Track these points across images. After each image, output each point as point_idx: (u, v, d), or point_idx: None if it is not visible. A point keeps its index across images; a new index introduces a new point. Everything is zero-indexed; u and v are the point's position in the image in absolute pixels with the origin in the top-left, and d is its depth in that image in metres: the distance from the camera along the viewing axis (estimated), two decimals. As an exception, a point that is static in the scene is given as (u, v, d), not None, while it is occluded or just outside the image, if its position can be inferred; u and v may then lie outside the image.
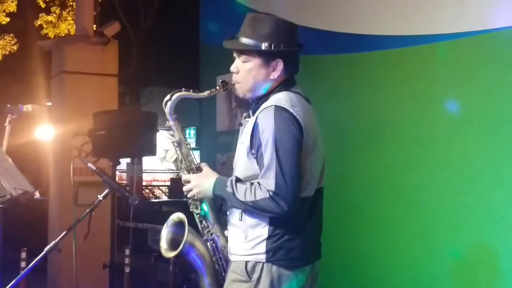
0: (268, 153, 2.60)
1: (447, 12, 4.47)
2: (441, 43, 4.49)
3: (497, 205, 4.12)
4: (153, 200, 17.50)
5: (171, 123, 2.98)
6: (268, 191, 2.57)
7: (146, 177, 22.77)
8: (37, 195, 12.48)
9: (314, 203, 2.76)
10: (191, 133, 21.30)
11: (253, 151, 2.67)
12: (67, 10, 14.79)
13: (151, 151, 5.88)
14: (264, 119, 2.64)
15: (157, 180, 24.17)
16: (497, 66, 4.19)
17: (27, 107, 3.40)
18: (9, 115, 3.32)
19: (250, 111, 2.83)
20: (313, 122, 2.74)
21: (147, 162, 21.37)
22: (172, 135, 3.00)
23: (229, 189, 2.69)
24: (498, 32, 4.13)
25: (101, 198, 3.25)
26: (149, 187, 21.90)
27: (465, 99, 4.40)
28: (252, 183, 2.64)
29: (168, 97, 2.94)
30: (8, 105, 3.35)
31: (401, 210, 4.73)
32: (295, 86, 2.81)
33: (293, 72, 2.84)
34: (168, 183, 20.88)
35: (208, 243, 2.91)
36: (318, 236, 2.83)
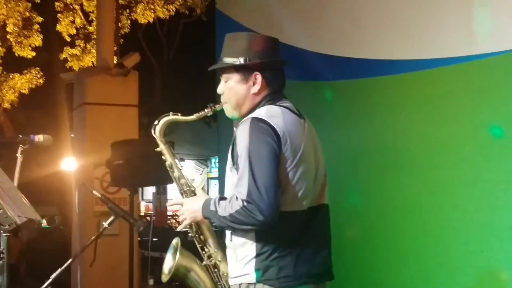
0: (241, 163, 2.58)
1: (459, 36, 4.46)
2: (453, 66, 4.47)
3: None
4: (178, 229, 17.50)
5: (161, 147, 3.02)
6: (242, 200, 2.52)
7: (172, 207, 22.80)
8: (44, 223, 12.63)
9: (310, 219, 2.69)
10: (216, 162, 21.36)
11: (235, 165, 2.66)
12: (91, 43, 15.01)
13: (168, 179, 5.87)
14: (241, 131, 2.64)
15: (184, 210, 24.16)
16: (509, 87, 4.16)
17: (39, 137, 3.44)
18: (21, 145, 3.37)
19: (234, 129, 2.81)
20: (300, 135, 2.69)
21: (174, 191, 21.45)
22: (164, 159, 3.02)
23: (211, 207, 2.67)
24: (509, 53, 4.10)
25: (106, 225, 3.29)
26: (174, 217, 21.92)
27: (479, 121, 4.37)
28: (231, 197, 2.60)
29: (156, 122, 2.98)
30: (20, 136, 3.40)
31: (419, 234, 4.69)
32: (282, 101, 2.79)
33: (277, 86, 2.82)
34: (194, 213, 20.88)
35: (210, 269, 2.89)
36: (320, 255, 2.72)
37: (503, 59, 4.15)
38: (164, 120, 2.98)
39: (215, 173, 24.59)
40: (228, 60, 2.77)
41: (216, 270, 2.89)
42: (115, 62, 8.45)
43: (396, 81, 4.87)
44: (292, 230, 2.64)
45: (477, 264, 4.28)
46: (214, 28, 7.59)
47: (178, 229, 2.94)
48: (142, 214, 18.99)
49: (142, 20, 16.03)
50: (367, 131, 5.15)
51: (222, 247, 2.90)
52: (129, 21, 15.73)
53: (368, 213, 5.02)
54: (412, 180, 4.74)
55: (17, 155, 3.38)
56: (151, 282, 6.36)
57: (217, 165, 20.92)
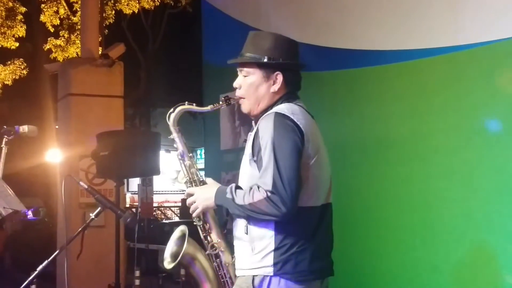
0: (266, 155, 2.62)
1: (444, 26, 4.47)
2: (439, 57, 4.48)
3: (498, 214, 4.11)
4: (164, 221, 17.51)
5: (174, 135, 3.01)
6: (265, 191, 2.57)
7: (158, 199, 22.81)
8: (30, 214, 12.57)
9: (322, 217, 2.76)
10: (202, 153, 21.33)
11: (255, 158, 2.70)
12: (76, 34, 14.92)
13: (155, 170, 5.89)
14: (264, 125, 2.68)
15: (169, 201, 24.20)
16: (494, 78, 4.18)
17: (23, 128, 3.43)
18: (6, 136, 3.35)
19: (253, 124, 2.86)
20: (316, 134, 2.77)
21: (160, 183, 21.42)
22: (175, 147, 3.03)
23: (228, 195, 2.69)
24: (495, 44, 4.13)
25: (93, 217, 3.26)
26: (160, 208, 21.93)
27: (465, 112, 4.39)
28: (251, 187, 2.64)
29: (171, 110, 2.97)
30: (5, 127, 3.38)
31: (404, 223, 4.71)
32: (297, 101, 2.85)
33: (294, 87, 2.88)
34: (180, 204, 20.94)
35: (212, 259, 2.90)
36: (328, 251, 2.82)
37: (488, 49, 4.17)
38: (179, 108, 2.97)
39: (200, 164, 24.55)
40: (252, 56, 2.83)
41: (218, 259, 2.90)
42: (100, 53, 8.39)
43: (382, 71, 4.88)
44: (310, 225, 2.70)
45: (464, 254, 4.33)
46: (199, 19, 7.56)
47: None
48: (127, 205, 18.95)
49: (127, 11, 15.98)
50: (353, 122, 5.17)
51: (224, 237, 2.92)
52: (113, 12, 15.65)
53: (355, 204, 5.03)
54: (397, 171, 4.77)
55: (1, 146, 3.35)
56: (137, 273, 6.35)
57: (203, 156, 20.93)
